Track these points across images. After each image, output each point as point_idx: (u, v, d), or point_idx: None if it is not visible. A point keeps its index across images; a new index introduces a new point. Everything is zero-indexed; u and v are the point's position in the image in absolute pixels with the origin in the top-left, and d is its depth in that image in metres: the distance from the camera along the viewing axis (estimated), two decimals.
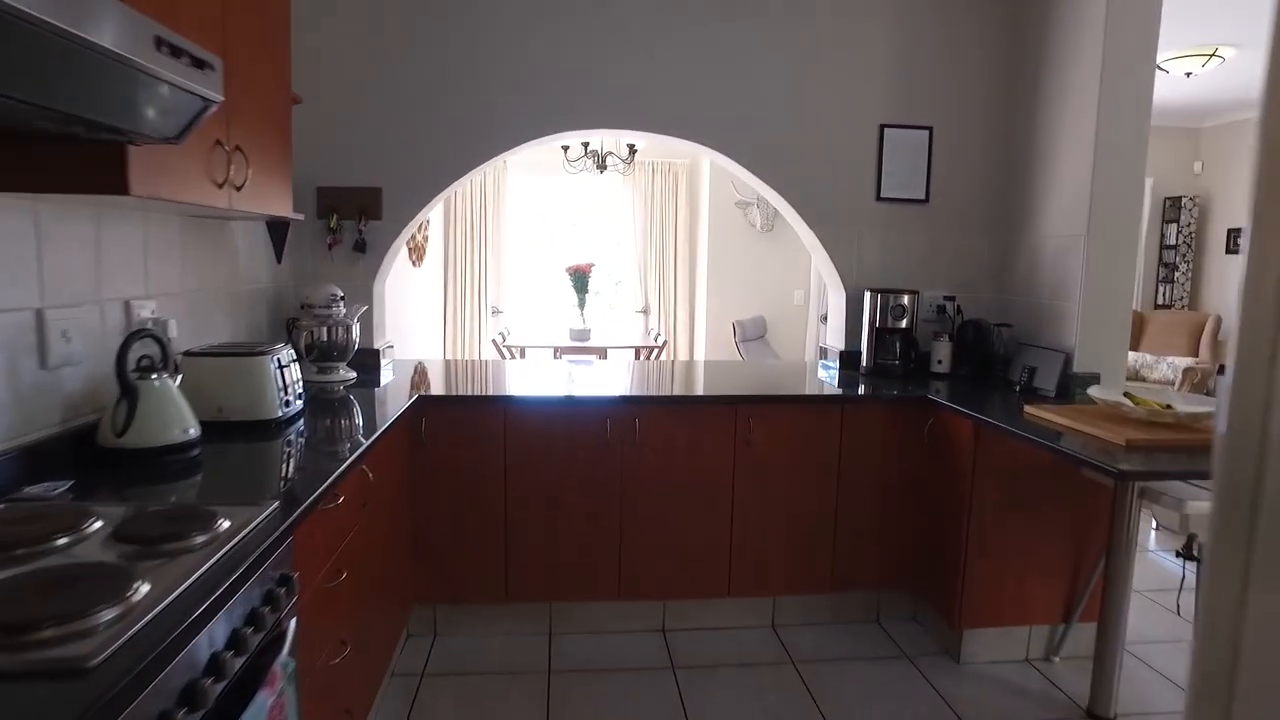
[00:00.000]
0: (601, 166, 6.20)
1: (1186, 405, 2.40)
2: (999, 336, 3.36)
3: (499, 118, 3.27)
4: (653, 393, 2.95)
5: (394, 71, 3.22)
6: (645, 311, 7.57)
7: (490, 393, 2.88)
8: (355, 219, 3.22)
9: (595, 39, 3.28)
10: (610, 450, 2.86)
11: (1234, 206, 7.12)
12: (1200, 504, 2.30)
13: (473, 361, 3.73)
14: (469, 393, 2.86)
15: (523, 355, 6.28)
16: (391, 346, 3.45)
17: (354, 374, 3.03)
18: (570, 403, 2.83)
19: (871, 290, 3.36)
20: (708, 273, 7.11)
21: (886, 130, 3.46)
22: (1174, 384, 6.50)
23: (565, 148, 5.86)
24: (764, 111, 3.37)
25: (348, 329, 2.95)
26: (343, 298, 2.98)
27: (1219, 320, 6.74)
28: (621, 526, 2.90)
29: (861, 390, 3.10)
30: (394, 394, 2.80)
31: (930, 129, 3.48)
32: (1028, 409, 2.63)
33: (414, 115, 3.24)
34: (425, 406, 2.77)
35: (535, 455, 2.83)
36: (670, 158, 7.30)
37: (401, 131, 3.24)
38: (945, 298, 3.50)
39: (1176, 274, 7.43)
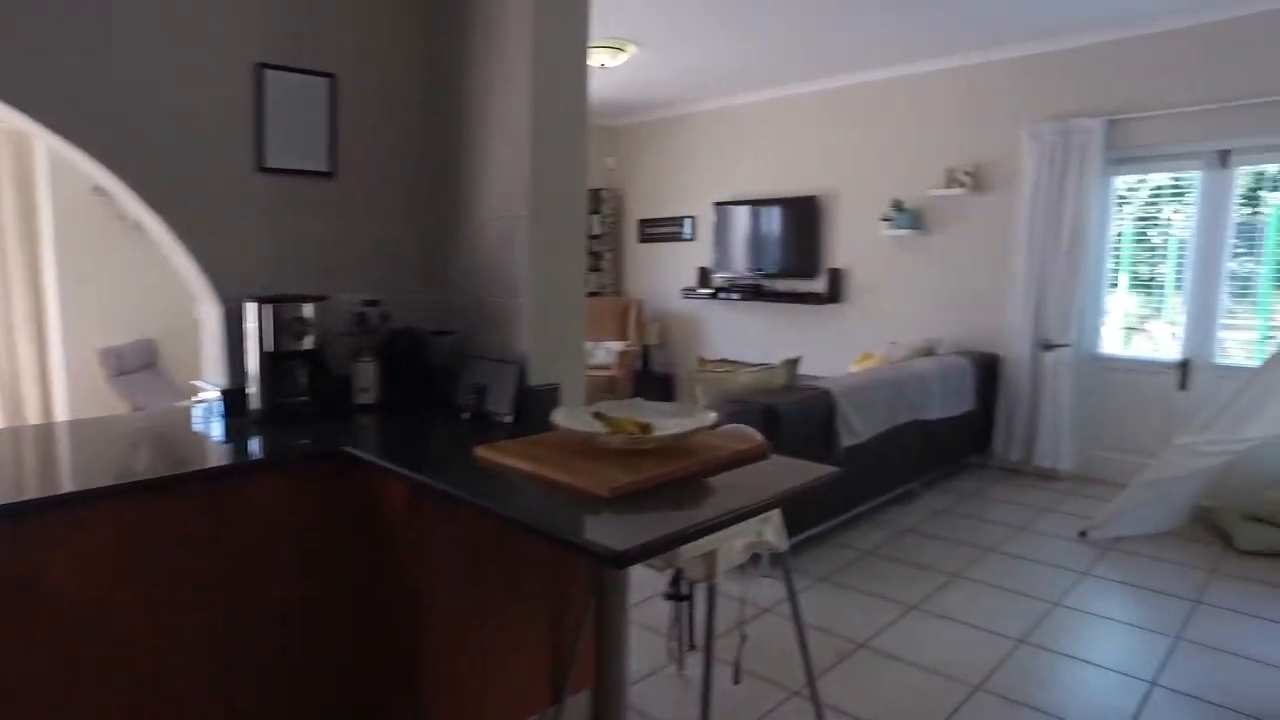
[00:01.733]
0: None
1: (661, 419, 1.94)
2: (440, 348, 2.64)
3: None
4: None
5: None
6: None
7: None
8: None
9: None
10: None
11: (641, 201, 7.76)
12: (690, 547, 1.84)
13: None
14: None
15: None
16: None
17: None
18: None
19: (259, 300, 2.32)
20: (59, 287, 5.15)
21: (268, 72, 2.43)
22: (611, 367, 6.79)
23: None
24: (39, 25, 2.06)
25: None
26: None
27: (640, 304, 7.25)
28: None
29: (249, 449, 2.07)
30: None
31: (332, 77, 2.56)
32: (479, 450, 1.91)
33: None
34: None
35: None
36: None
37: None
38: (366, 303, 2.64)
39: (602, 262, 7.86)
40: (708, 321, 7.29)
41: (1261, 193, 4.51)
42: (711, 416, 1.96)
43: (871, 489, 4.22)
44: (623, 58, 5.32)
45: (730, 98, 6.80)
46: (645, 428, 1.91)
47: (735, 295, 6.72)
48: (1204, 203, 4.58)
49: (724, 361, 3.95)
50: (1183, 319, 4.70)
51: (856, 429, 3.89)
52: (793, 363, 4.06)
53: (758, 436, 2.01)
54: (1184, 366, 4.63)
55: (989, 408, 5.21)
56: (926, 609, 3.26)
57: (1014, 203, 5.12)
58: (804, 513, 3.77)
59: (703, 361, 3.98)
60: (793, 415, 3.57)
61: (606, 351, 7.05)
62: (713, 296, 6.92)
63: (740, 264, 6.80)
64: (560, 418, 1.94)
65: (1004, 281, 5.22)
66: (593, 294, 7.89)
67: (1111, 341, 5.03)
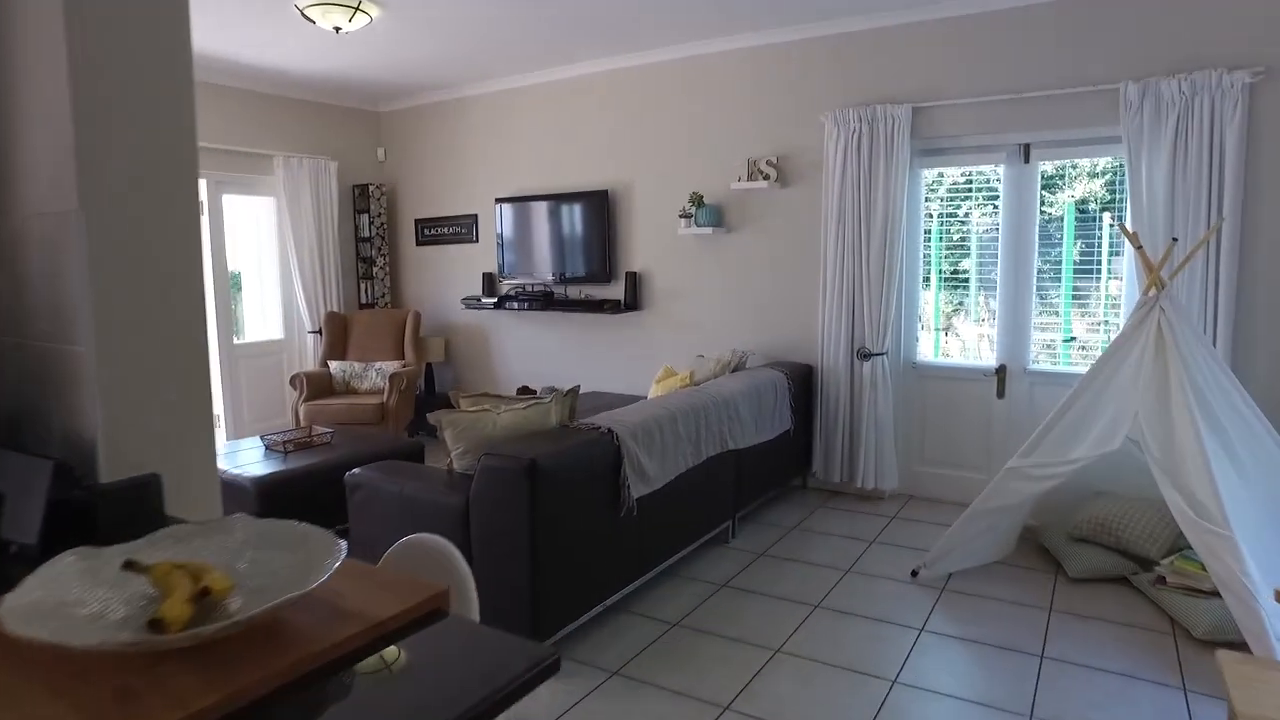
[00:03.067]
0: None
1: (259, 563, 1.04)
2: None
3: None
4: None
5: None
6: None
7: None
8: None
9: None
10: None
11: (417, 198, 6.72)
12: None
13: None
14: None
15: None
16: None
17: None
18: None
19: None
20: None
21: None
22: (384, 393, 5.72)
23: None
24: None
25: None
26: None
27: (419, 317, 6.22)
28: None
29: None
30: None
31: None
32: None
33: None
34: None
35: None
36: None
37: None
38: None
39: (375, 269, 6.74)
40: (496, 334, 6.38)
41: (1059, 191, 4.25)
42: (340, 551, 1.08)
43: (674, 540, 3.50)
44: (362, 21, 4.30)
45: (508, 79, 5.92)
46: (204, 592, 1.00)
47: (523, 304, 5.85)
48: (1009, 199, 4.24)
49: (484, 396, 3.07)
50: (994, 323, 4.37)
51: (649, 474, 3.14)
52: (570, 394, 3.25)
53: (425, 588, 1.14)
54: (1001, 373, 4.28)
55: (808, 424, 4.68)
56: (744, 709, 2.55)
57: (821, 196, 4.61)
58: (585, 588, 2.96)
59: (457, 396, 3.06)
60: (564, 468, 2.76)
61: (378, 373, 5.97)
62: (497, 306, 6.01)
63: (529, 268, 5.94)
64: (22, 605, 0.98)
65: (816, 284, 4.71)
66: (365, 306, 6.76)
67: (927, 346, 4.64)
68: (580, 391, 5.95)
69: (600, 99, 5.54)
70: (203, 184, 5.81)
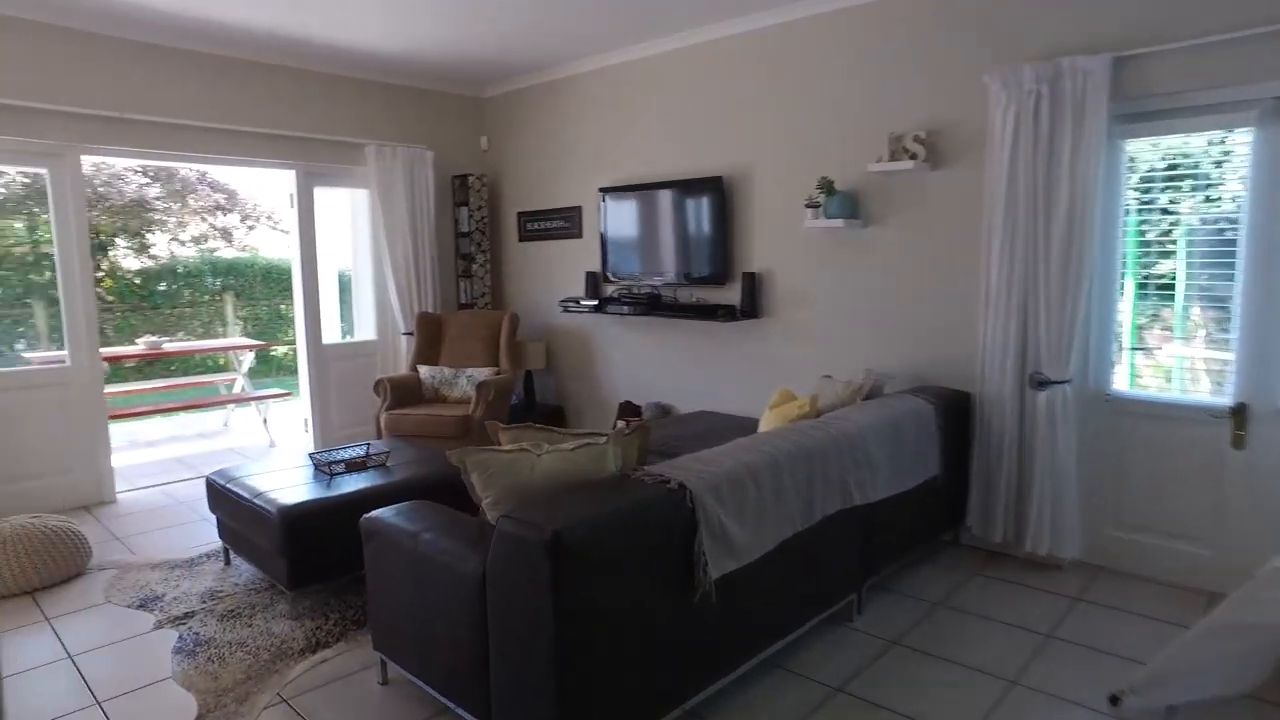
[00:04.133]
0: None
1: None
2: None
3: None
4: None
5: None
6: None
7: None
8: None
9: None
10: None
11: (520, 190, 6.17)
12: None
13: None
14: None
15: None
16: None
17: None
18: None
19: None
20: None
21: None
22: (471, 403, 5.17)
23: None
24: None
25: None
26: None
27: (515, 320, 5.65)
28: None
29: None
30: None
31: None
32: None
33: None
34: None
35: None
36: None
37: None
38: None
39: (474, 266, 6.25)
40: (599, 341, 5.71)
41: None
42: None
43: (773, 625, 2.67)
44: None
45: (613, 52, 5.22)
46: None
47: (627, 308, 5.15)
48: (1262, 177, 3.09)
49: (527, 428, 2.36)
50: (1213, 343, 3.23)
51: (737, 544, 2.33)
52: (637, 433, 2.50)
53: None
54: (1239, 414, 3.14)
55: (962, 467, 3.70)
56: None
57: (984, 178, 3.61)
58: (640, 695, 2.19)
59: (496, 430, 2.36)
60: (610, 537, 2.00)
61: (469, 380, 5.44)
62: (598, 309, 5.34)
63: (635, 267, 5.23)
64: None
65: (976, 290, 3.72)
66: (464, 307, 6.28)
67: (1124, 373, 3.54)
68: (684, 412, 5.19)
69: (716, 70, 4.75)
70: (291, 175, 5.48)
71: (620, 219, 5.26)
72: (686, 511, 2.20)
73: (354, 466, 3.62)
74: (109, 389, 7.37)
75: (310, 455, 3.71)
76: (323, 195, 5.72)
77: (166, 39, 4.70)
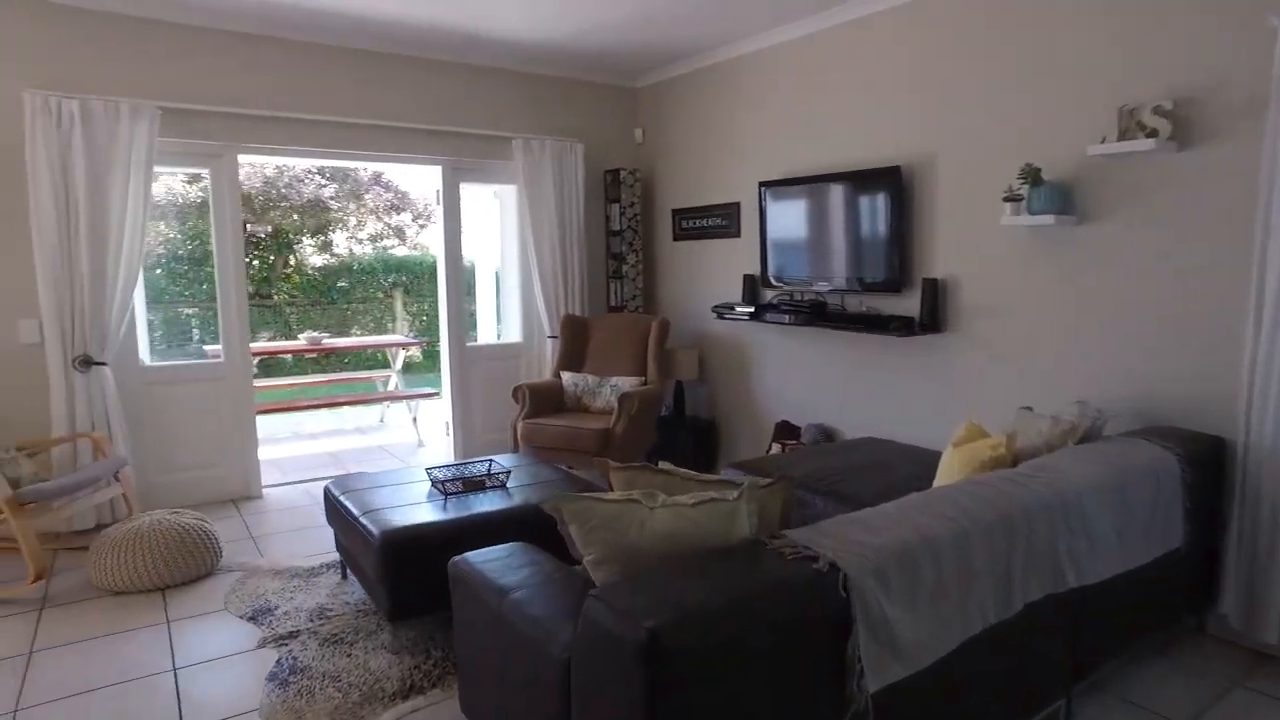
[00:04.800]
0: None
1: None
2: None
3: None
4: None
5: None
6: None
7: None
8: None
9: None
10: None
11: (677, 183, 5.74)
12: None
13: None
14: None
15: None
16: None
17: None
18: None
19: None
20: None
21: None
22: (612, 414, 4.80)
23: None
24: None
25: None
26: None
27: (666, 325, 5.23)
28: None
29: None
30: None
31: None
32: None
33: None
34: None
35: None
36: None
37: None
38: None
39: (625, 267, 5.88)
40: (756, 351, 5.17)
41: None
42: None
43: None
44: None
45: (780, 29, 4.65)
46: None
47: (786, 316, 4.58)
48: None
49: (655, 470, 1.88)
50: None
51: (904, 646, 1.74)
52: (781, 486, 1.96)
53: None
54: None
55: (1214, 535, 2.86)
56: None
57: (1265, 157, 2.75)
58: None
59: (606, 467, 1.90)
60: (730, 634, 1.49)
61: (613, 389, 5.08)
62: (754, 317, 4.80)
63: (797, 270, 4.65)
64: None
65: (1239, 304, 2.86)
66: (614, 310, 5.94)
67: None
68: (849, 437, 4.54)
69: (893, 43, 4.08)
70: (438, 171, 5.32)
71: (782, 216, 4.69)
72: (838, 600, 1.65)
73: (472, 486, 3.31)
74: (277, 381, 7.76)
75: (428, 471, 3.44)
76: (470, 192, 5.56)
77: (317, 36, 4.65)
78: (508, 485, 3.35)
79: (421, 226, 10.97)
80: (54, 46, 4.06)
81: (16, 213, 4.01)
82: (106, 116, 4.04)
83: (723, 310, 5.04)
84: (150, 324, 4.86)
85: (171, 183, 7.15)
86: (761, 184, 4.80)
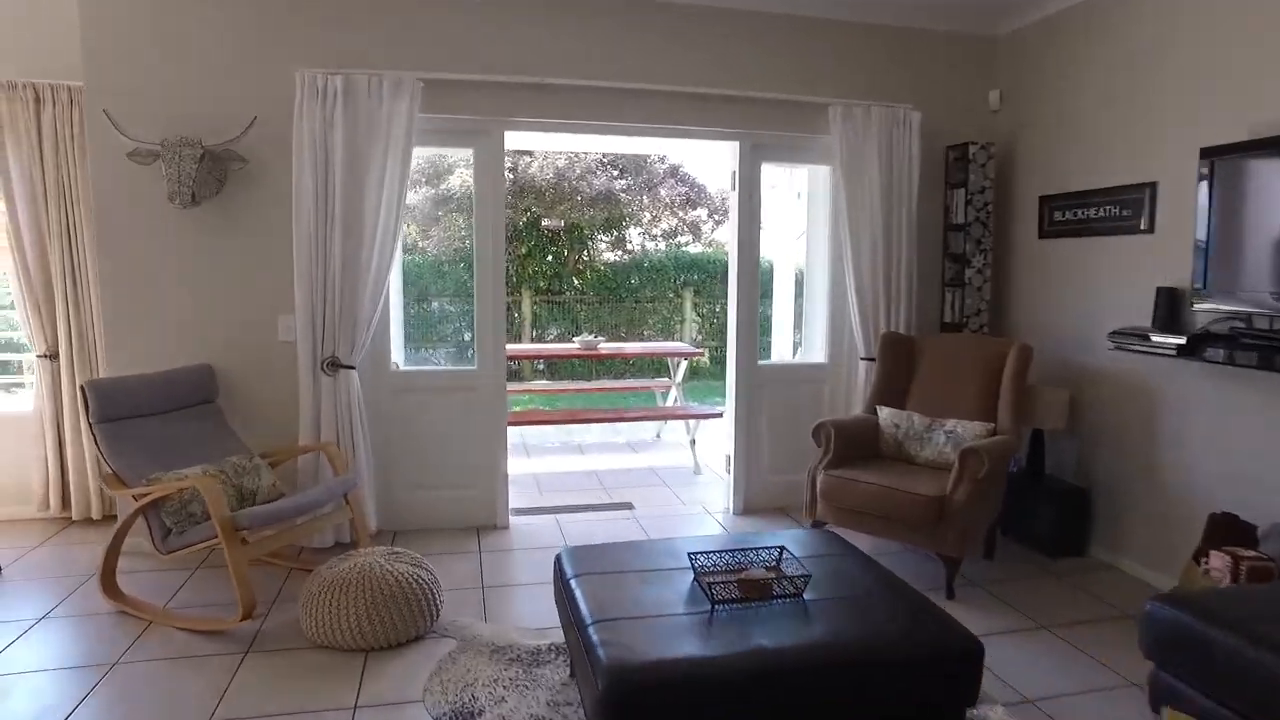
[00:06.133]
0: None
1: None
2: None
3: None
4: None
5: None
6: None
7: None
8: None
9: None
10: None
11: (1047, 163, 4.19)
12: None
13: None
14: None
15: None
16: None
17: None
18: None
19: None
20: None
21: None
22: (950, 475, 3.46)
23: None
24: None
25: None
26: None
27: (1028, 354, 3.75)
28: None
29: None
30: None
31: None
32: None
33: None
34: None
35: None
36: None
37: None
38: None
39: (969, 272, 4.44)
40: (1174, 400, 3.50)
41: None
42: None
43: None
44: None
45: None
46: None
47: (1241, 353, 2.92)
48: None
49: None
50: None
51: None
52: None
53: None
54: None
55: None
56: None
57: None
58: None
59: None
60: None
61: (949, 438, 3.73)
62: (1185, 351, 3.17)
63: (1263, 283, 2.96)
64: None
65: None
66: (949, 328, 4.55)
67: None
68: None
69: None
70: (734, 148, 4.29)
71: (1239, 199, 3.02)
72: None
73: (751, 591, 2.23)
74: (549, 386, 7.39)
75: (691, 558, 2.41)
76: (771, 174, 4.48)
77: None
78: (804, 595, 2.22)
79: (718, 222, 10.19)
80: (325, 20, 3.69)
81: (287, 198, 3.69)
82: (369, 92, 3.58)
83: (1127, 339, 3.45)
84: (407, 324, 4.43)
85: (467, 175, 6.98)
86: (1204, 151, 3.15)
